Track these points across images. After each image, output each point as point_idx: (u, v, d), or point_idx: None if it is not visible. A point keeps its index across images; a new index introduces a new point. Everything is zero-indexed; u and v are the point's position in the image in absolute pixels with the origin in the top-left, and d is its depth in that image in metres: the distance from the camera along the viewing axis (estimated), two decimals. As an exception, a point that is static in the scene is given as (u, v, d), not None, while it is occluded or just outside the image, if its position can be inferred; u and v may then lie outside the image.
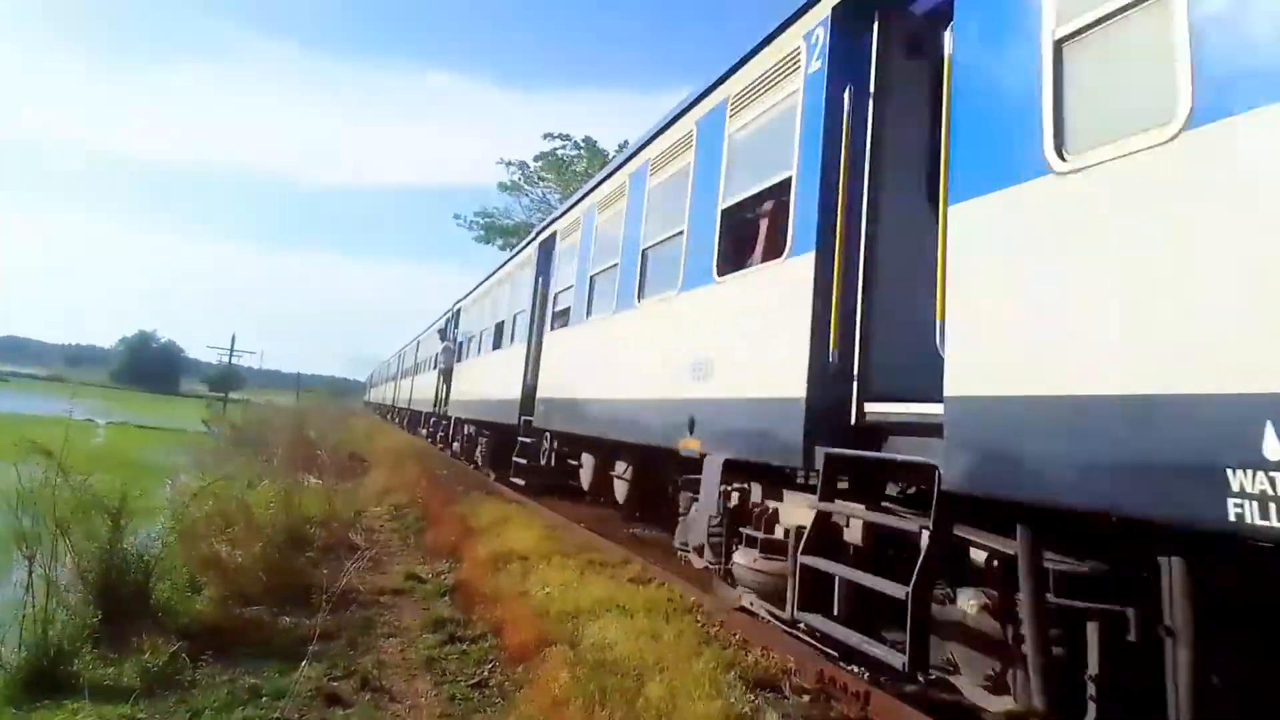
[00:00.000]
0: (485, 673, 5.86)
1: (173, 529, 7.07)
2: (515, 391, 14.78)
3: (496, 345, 17.93)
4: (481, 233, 43.77)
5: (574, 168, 39.65)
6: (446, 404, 24.61)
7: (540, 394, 13.26)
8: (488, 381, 17.91)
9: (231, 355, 66.83)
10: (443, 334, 27.25)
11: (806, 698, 5.32)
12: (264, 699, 5.08)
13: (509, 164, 41.87)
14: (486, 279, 21.52)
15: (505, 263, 19.03)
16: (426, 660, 6.09)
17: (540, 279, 14.71)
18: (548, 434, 12.97)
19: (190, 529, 7.40)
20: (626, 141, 31.50)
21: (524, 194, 42.44)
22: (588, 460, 11.65)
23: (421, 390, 33.57)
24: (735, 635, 6.59)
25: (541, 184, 41.76)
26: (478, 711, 5.21)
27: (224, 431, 22.11)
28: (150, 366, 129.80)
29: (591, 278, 11.20)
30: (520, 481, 14.61)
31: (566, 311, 12.42)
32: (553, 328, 13.25)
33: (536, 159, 41.09)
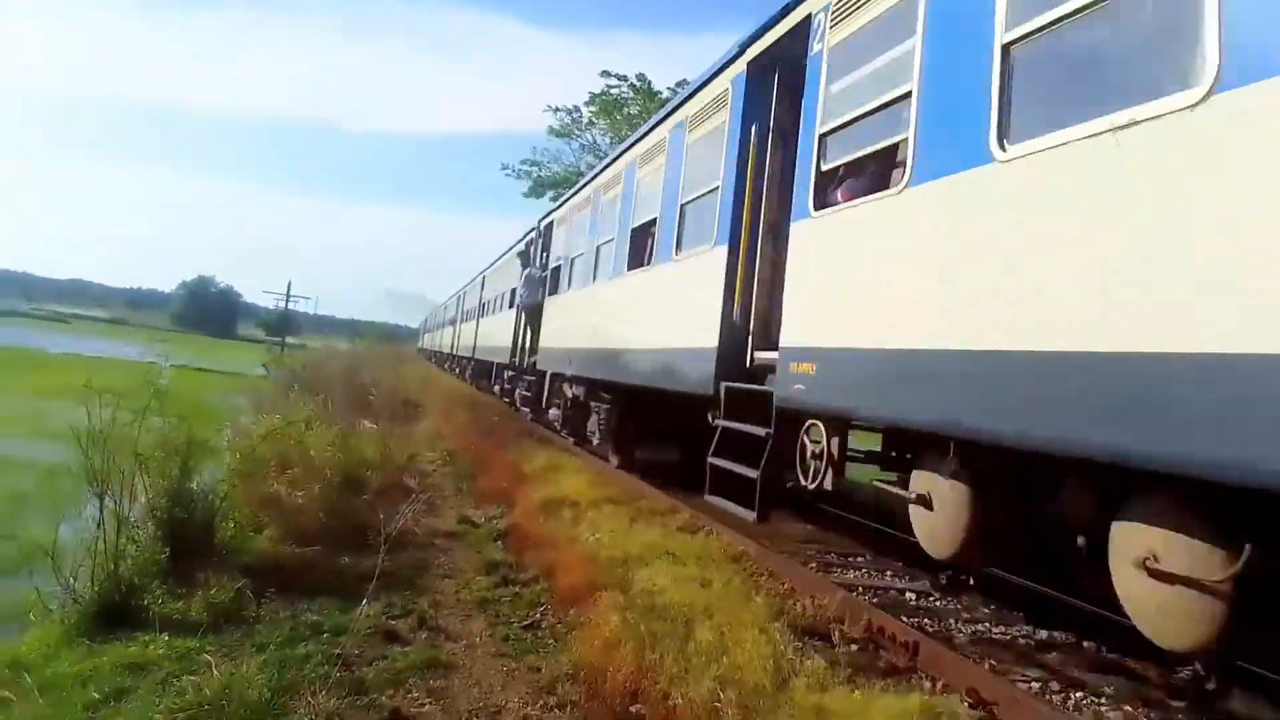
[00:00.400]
0: (537, 615, 5.99)
1: (236, 470, 7.26)
2: (703, 335, 8.17)
3: (638, 262, 11.10)
4: (531, 183, 43.44)
5: (628, 109, 39.10)
6: (535, 353, 17.52)
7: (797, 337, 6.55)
8: (621, 320, 11.39)
9: (288, 301, 67.89)
10: (525, 258, 20.29)
11: (855, 647, 5.35)
12: (325, 635, 5.24)
13: (557, 110, 41.45)
14: (605, 165, 14.06)
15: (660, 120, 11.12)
16: (480, 602, 6.23)
17: (754, 125, 7.91)
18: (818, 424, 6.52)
19: (252, 470, 7.61)
20: (685, 81, 30.92)
21: (574, 139, 42.01)
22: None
23: (491, 335, 26.44)
24: (784, 584, 6.62)
25: (593, 128, 41.28)
26: (531, 652, 5.33)
27: (283, 375, 22.51)
28: (209, 311, 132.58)
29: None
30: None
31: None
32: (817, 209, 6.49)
33: (588, 102, 40.56)
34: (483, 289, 31.28)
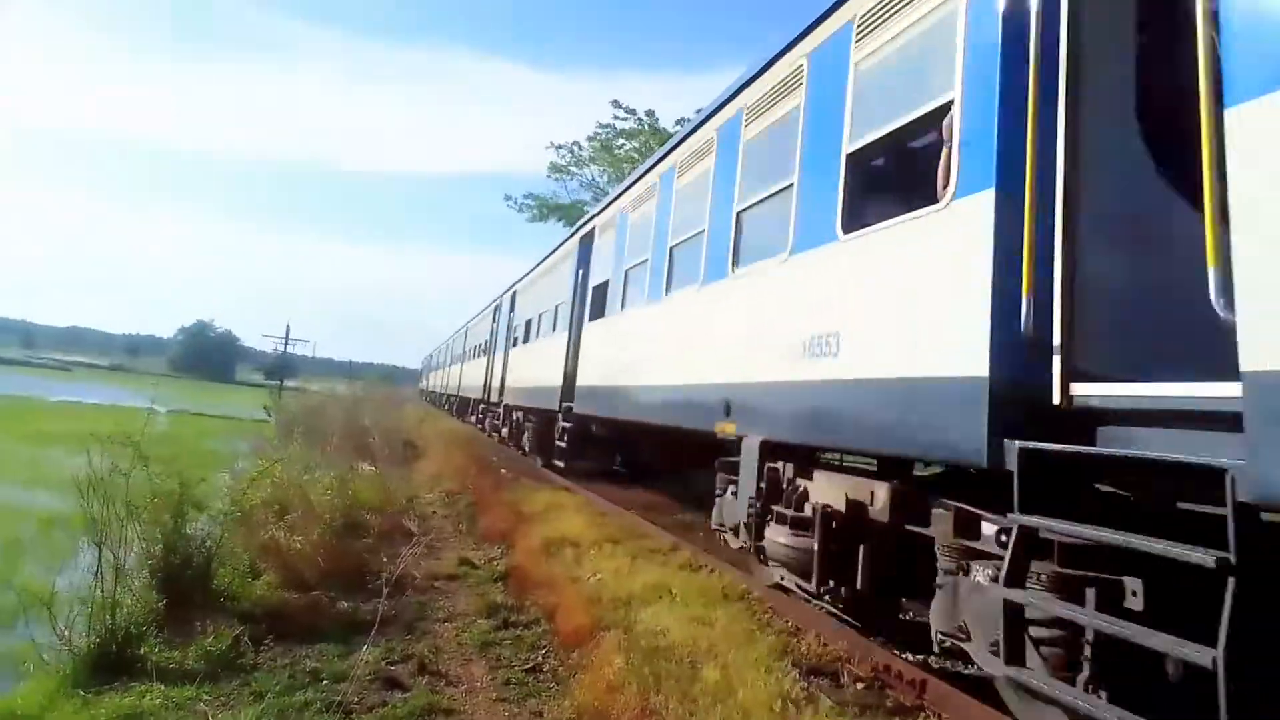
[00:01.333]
0: (539, 658, 5.91)
1: (231, 514, 7.20)
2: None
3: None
4: (534, 212, 43.62)
5: (624, 148, 39.29)
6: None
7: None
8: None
9: (286, 344, 67.89)
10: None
11: (861, 685, 5.28)
12: (324, 682, 5.17)
13: (559, 147, 41.65)
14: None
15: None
16: (481, 645, 6.15)
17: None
18: None
19: (249, 515, 7.55)
20: (684, 119, 31.19)
21: (572, 176, 42.21)
22: None
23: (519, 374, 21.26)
24: (788, 622, 6.56)
25: (593, 164, 41.48)
26: (533, 696, 5.24)
27: (282, 419, 22.47)
28: (207, 355, 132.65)
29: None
30: None
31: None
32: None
33: (590, 138, 40.79)
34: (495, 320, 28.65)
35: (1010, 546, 3.84)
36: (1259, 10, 3.00)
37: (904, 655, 5.74)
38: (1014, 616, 3.77)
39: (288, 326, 77.66)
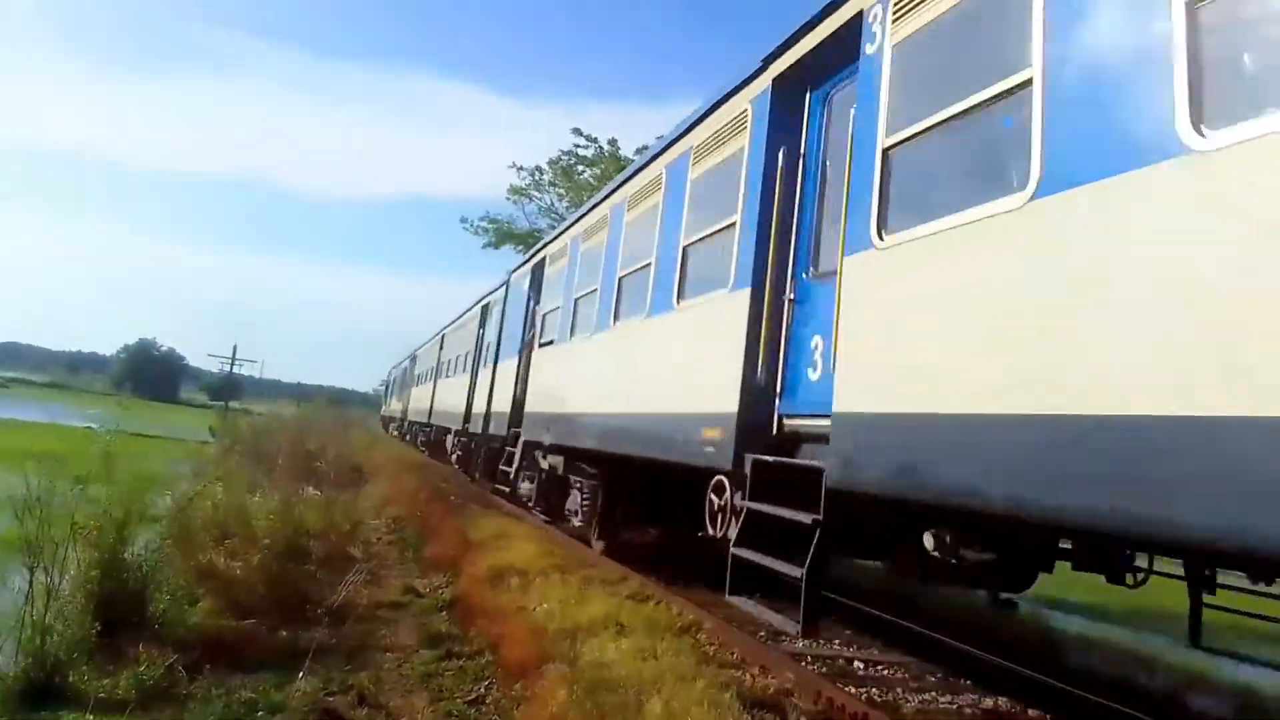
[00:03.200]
0: (482, 689, 5.85)
1: (169, 537, 7.05)
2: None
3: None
4: (491, 239, 43.47)
5: (584, 175, 39.46)
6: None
7: None
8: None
9: (233, 364, 66.87)
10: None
11: (805, 719, 5.31)
12: (260, 713, 5.06)
13: (520, 169, 41.59)
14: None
15: None
16: (423, 676, 6.07)
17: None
18: None
19: (188, 538, 7.39)
20: (645, 146, 31.40)
21: (531, 201, 42.17)
22: None
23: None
24: (733, 654, 6.58)
25: (552, 189, 41.53)
26: (474, 728, 5.19)
27: (227, 440, 22.05)
28: (151, 374, 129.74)
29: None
30: None
31: None
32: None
33: (551, 163, 40.85)
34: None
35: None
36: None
37: (848, 689, 5.78)
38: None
39: (235, 346, 76.46)
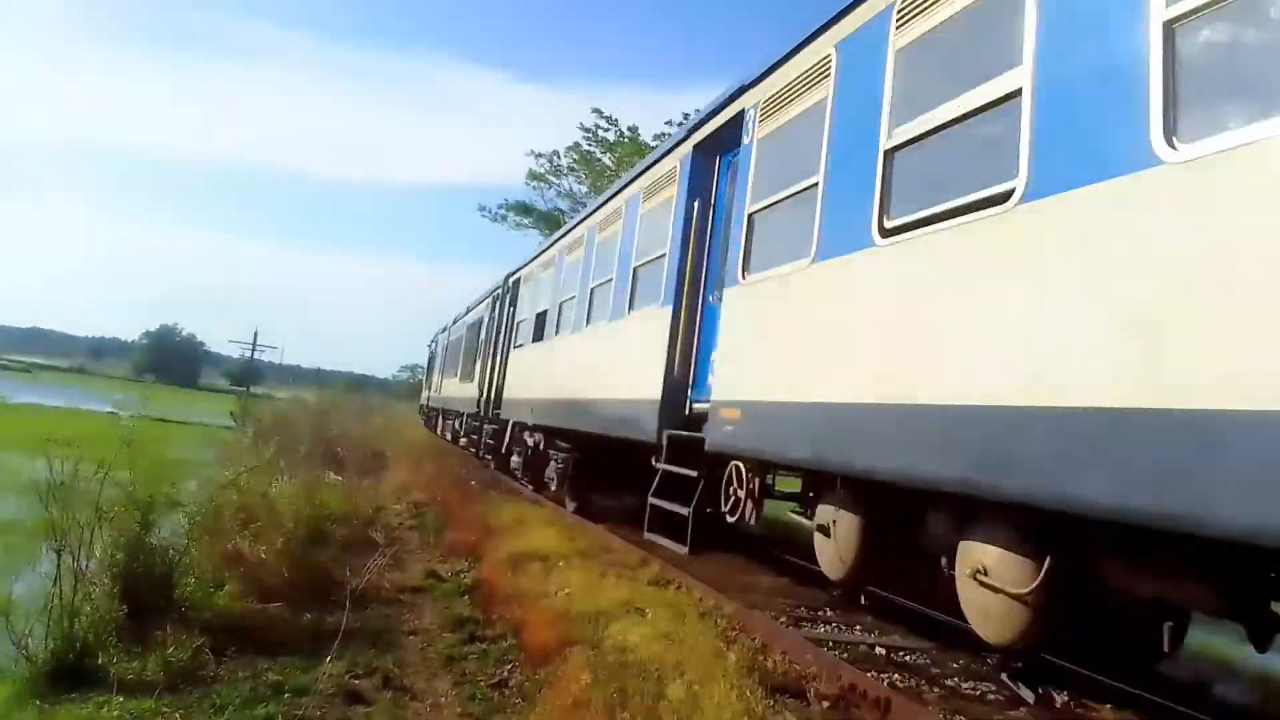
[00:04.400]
0: (505, 673, 5.88)
1: (195, 523, 7.11)
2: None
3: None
4: (513, 223, 43.45)
5: (603, 160, 39.34)
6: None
7: None
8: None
9: (254, 350, 67.29)
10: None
11: (827, 704, 5.30)
12: (286, 695, 5.11)
13: (538, 155, 41.49)
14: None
15: None
16: (447, 659, 6.11)
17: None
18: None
19: (214, 524, 7.45)
20: (663, 134, 31.26)
21: (550, 186, 42.12)
22: None
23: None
24: (754, 639, 6.57)
25: (570, 174, 41.43)
26: (498, 711, 5.22)
27: (249, 426, 22.20)
28: (172, 360, 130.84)
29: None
30: None
31: None
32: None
33: (570, 148, 40.73)
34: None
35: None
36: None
37: (870, 673, 5.76)
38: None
39: (255, 332, 76.81)
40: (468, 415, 25.60)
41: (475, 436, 23.83)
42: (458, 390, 27.62)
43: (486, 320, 23.34)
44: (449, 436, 30.67)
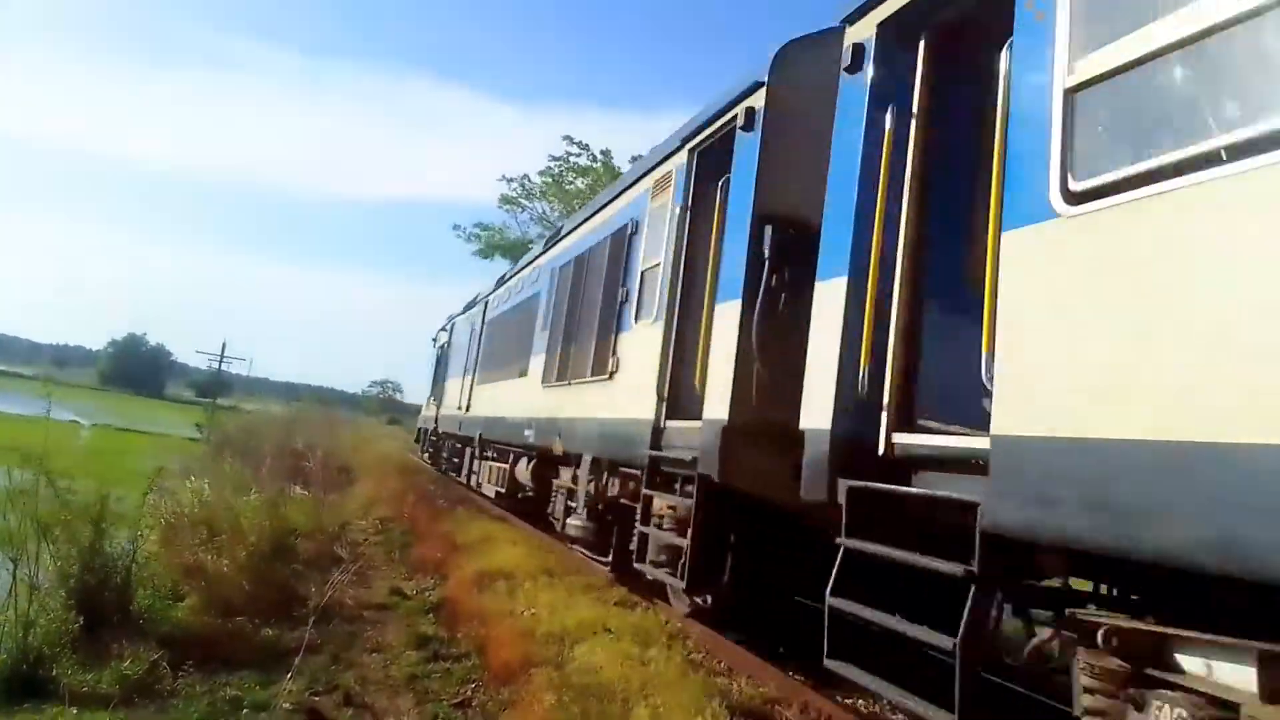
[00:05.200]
0: (469, 692, 5.81)
1: (157, 536, 7.00)
2: None
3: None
4: (482, 246, 43.42)
5: (575, 184, 39.44)
6: None
7: None
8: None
9: (221, 361, 66.56)
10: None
11: (792, 729, 5.28)
12: (245, 711, 5.03)
13: (510, 180, 41.57)
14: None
15: None
16: (409, 678, 6.04)
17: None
18: None
19: (173, 535, 7.34)
20: (639, 155, 31.35)
21: (522, 209, 42.14)
22: None
23: None
24: (720, 662, 6.55)
25: (543, 198, 41.46)
26: (460, 731, 5.16)
27: (214, 438, 21.95)
28: (138, 369, 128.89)
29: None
30: None
31: None
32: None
33: (541, 172, 40.80)
34: None
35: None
36: None
37: (836, 697, 5.76)
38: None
39: (224, 344, 75.97)
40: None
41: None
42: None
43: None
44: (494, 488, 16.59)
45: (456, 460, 22.27)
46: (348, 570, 8.76)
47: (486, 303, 19.86)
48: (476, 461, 17.83)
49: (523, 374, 13.69)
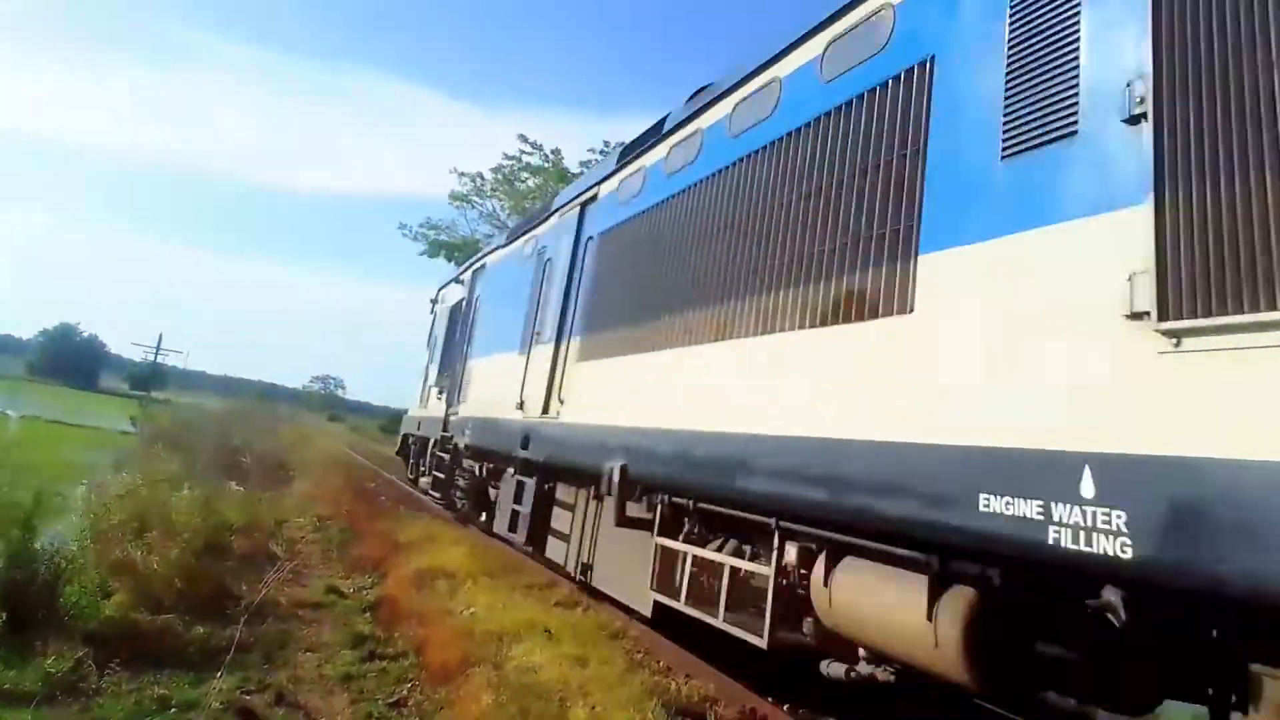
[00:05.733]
0: (405, 691, 5.75)
1: (87, 531, 6.82)
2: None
3: None
4: (427, 248, 42.87)
5: (527, 183, 39.20)
6: None
7: None
8: None
9: (157, 353, 65.10)
10: None
11: (728, 729, 5.31)
12: (173, 710, 4.92)
13: (462, 175, 41.14)
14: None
15: None
16: (344, 677, 5.95)
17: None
18: None
19: (103, 531, 7.16)
20: (591, 160, 31.14)
21: (473, 206, 41.71)
22: None
23: None
24: (659, 662, 6.57)
25: (494, 196, 41.08)
26: (395, 731, 5.10)
27: (148, 432, 21.46)
28: (70, 360, 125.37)
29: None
30: None
31: None
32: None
33: (495, 169, 40.47)
34: None
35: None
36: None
37: (769, 699, 5.81)
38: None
39: (160, 335, 74.31)
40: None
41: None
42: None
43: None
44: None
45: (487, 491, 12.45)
46: (283, 568, 8.62)
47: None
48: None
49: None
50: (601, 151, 31.59)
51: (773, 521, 5.03)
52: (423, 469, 16.44)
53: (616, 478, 6.80)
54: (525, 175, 39.55)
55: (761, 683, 6.09)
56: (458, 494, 13.74)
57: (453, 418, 13.89)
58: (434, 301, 19.16)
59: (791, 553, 4.96)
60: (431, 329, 18.86)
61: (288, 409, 69.84)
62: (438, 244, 42.05)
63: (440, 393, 15.51)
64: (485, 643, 6.58)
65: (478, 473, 12.45)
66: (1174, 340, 2.96)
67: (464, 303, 15.32)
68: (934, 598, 3.94)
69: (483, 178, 40.59)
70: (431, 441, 15.46)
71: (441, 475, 14.53)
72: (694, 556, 5.96)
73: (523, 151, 39.23)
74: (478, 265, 15.28)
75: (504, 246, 13.73)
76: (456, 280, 17.29)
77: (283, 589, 8.02)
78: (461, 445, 12.83)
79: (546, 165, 38.68)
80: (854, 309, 4.60)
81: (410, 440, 18.48)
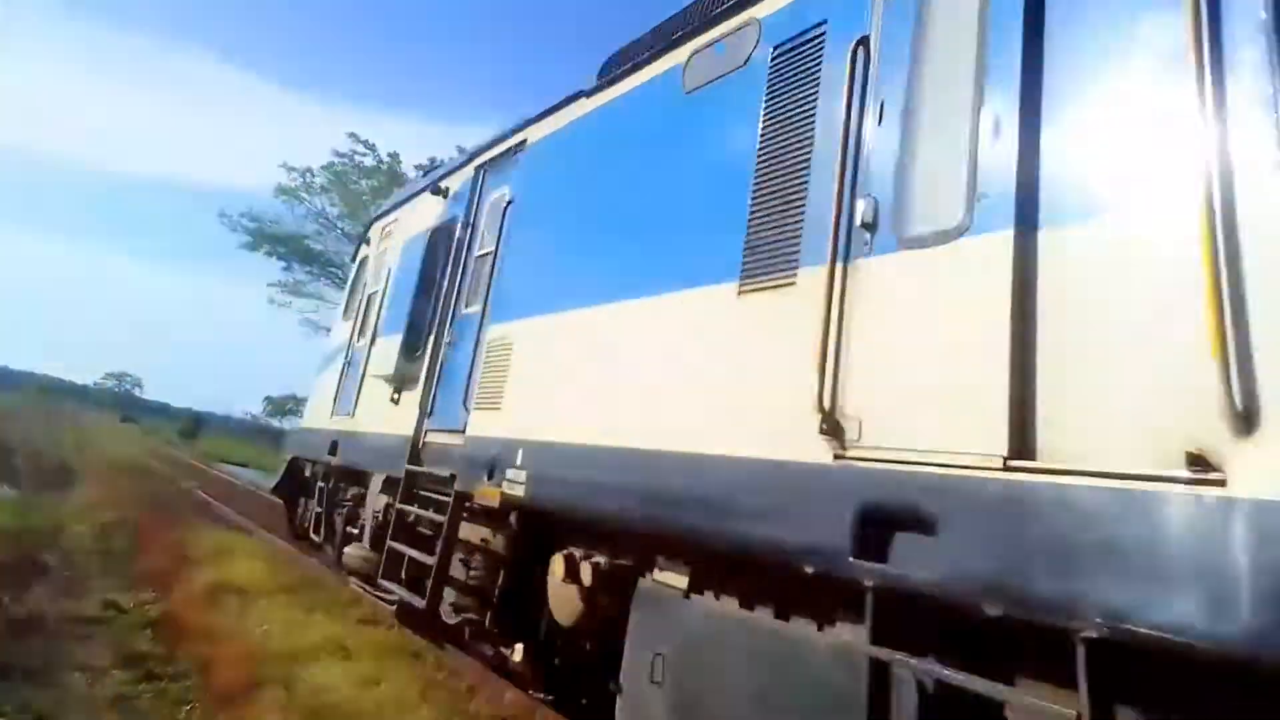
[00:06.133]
0: (182, 714, 5.40)
1: None
2: None
3: None
4: (249, 238, 40.39)
5: (360, 184, 37.82)
6: None
7: None
8: None
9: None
10: None
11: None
12: (-93, 738, 4.44)
13: (292, 169, 39.08)
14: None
15: None
16: (116, 698, 5.53)
17: None
18: None
19: None
20: (434, 161, 29.76)
21: (301, 202, 39.70)
22: None
23: None
24: (462, 682, 6.47)
25: (324, 194, 39.24)
26: (169, 757, 4.78)
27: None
28: None
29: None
30: None
31: None
32: None
33: (325, 167, 38.66)
34: None
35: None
36: None
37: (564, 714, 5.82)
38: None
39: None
40: None
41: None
42: None
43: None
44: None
45: None
46: (55, 580, 7.96)
47: None
48: None
49: None
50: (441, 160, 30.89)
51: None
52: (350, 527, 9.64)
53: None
54: (358, 176, 38.20)
55: (560, 699, 6.10)
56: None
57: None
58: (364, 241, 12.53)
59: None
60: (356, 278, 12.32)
61: (76, 407, 64.75)
62: (262, 236, 39.66)
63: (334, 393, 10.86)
64: (277, 662, 6.28)
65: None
66: None
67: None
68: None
69: (312, 173, 38.83)
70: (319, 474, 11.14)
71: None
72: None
73: (355, 151, 37.90)
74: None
75: None
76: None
77: (53, 603, 7.39)
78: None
79: (380, 168, 37.54)
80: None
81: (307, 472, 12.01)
